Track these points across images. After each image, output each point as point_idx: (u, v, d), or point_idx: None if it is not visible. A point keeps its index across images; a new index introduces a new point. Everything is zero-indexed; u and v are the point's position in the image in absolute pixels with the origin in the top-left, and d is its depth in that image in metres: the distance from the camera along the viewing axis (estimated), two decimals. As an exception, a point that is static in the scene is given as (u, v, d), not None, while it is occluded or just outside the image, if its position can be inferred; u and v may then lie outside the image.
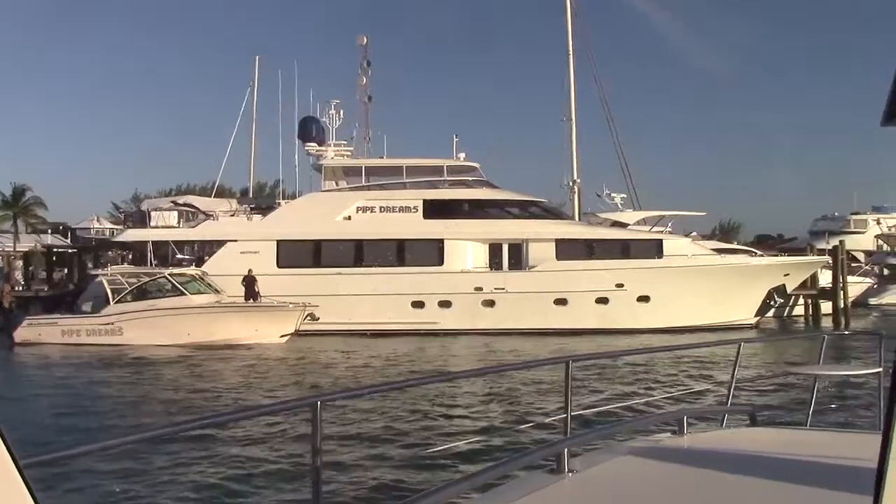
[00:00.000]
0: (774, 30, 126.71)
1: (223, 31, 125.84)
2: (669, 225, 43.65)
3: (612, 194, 48.55)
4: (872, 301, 52.19)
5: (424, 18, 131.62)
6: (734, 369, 7.46)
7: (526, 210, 38.24)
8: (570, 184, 45.05)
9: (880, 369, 7.94)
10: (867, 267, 54.64)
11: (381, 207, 37.16)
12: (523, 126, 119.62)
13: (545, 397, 18.75)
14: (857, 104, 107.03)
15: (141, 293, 33.73)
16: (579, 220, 42.17)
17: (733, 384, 7.51)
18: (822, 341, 8.55)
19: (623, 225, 41.82)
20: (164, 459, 13.26)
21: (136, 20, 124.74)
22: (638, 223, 43.02)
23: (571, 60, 44.62)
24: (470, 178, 38.70)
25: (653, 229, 41.61)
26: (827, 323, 42.31)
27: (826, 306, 43.38)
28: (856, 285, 47.68)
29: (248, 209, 39.50)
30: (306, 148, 39.53)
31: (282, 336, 32.47)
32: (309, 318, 33.44)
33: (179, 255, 36.90)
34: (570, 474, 4.37)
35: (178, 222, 38.27)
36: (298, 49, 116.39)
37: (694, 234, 46.89)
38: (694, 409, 10.36)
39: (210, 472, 13.08)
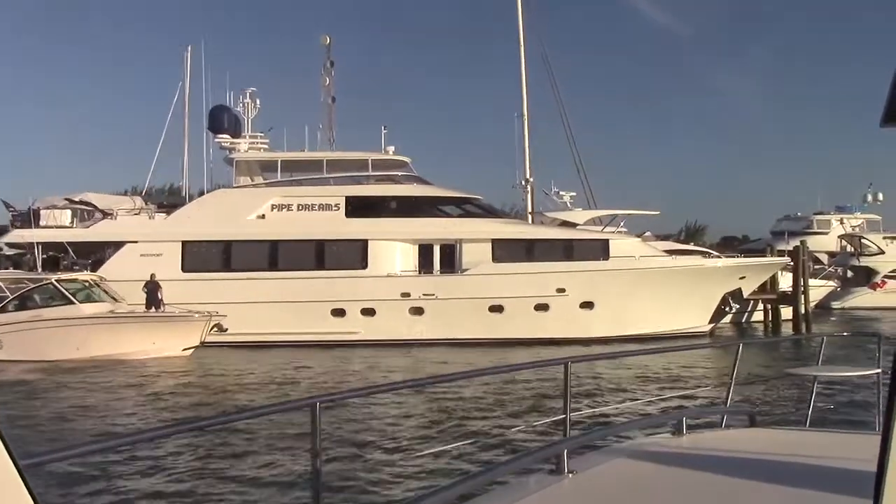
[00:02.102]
0: (749, 27, 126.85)
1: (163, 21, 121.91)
2: (622, 224, 42.28)
3: (561, 192, 47.42)
4: (835, 305, 51.40)
5: (375, 13, 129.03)
6: (733, 370, 7.83)
7: (460, 208, 36.20)
8: (523, 183, 43.93)
9: (879, 370, 8.43)
10: (830, 269, 53.70)
11: (298, 205, 34.76)
12: (476, 124, 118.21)
13: (544, 398, 19.22)
14: (836, 103, 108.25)
15: (24, 302, 31.17)
16: (532, 221, 40.54)
17: (732, 385, 7.83)
18: (821, 342, 8.99)
19: (572, 225, 40.23)
20: (163, 460, 13.74)
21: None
22: (589, 223, 41.60)
23: (522, 52, 43.78)
24: (399, 174, 36.47)
25: (604, 229, 39.96)
26: (787, 329, 41.34)
27: (787, 311, 42.31)
28: (818, 289, 46.61)
29: (155, 207, 36.98)
30: (216, 140, 37.02)
31: (185, 349, 30.16)
32: (216, 328, 31.39)
33: (72, 259, 34.32)
34: (570, 475, 4.48)
35: (72, 222, 35.63)
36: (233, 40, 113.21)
37: (647, 233, 45.59)
38: (693, 409, 10.56)
39: (210, 472, 13.42)
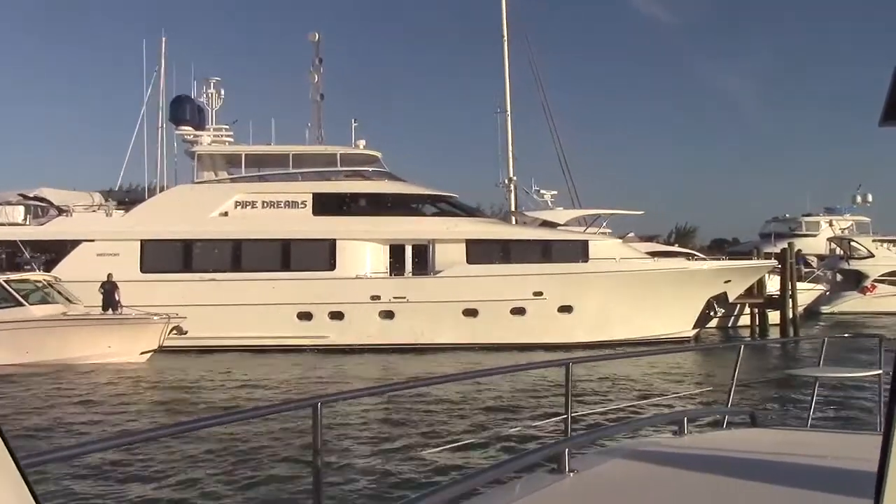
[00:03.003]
0: (743, 26, 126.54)
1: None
2: (604, 224, 41.45)
3: (542, 191, 46.50)
4: (825, 309, 50.71)
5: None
6: (735, 371, 7.97)
7: (434, 206, 35.17)
8: (506, 182, 43.12)
9: (880, 371, 8.59)
10: (819, 272, 52.95)
11: (263, 202, 33.55)
12: (460, 122, 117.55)
13: (546, 398, 19.63)
14: (833, 103, 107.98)
15: (-31, 304, 29.95)
16: (515, 221, 39.57)
17: (734, 385, 7.96)
18: (822, 343, 9.18)
19: (553, 225, 39.29)
20: (164, 460, 13.84)
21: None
22: (572, 223, 40.74)
23: (506, 47, 43.12)
24: (369, 170, 35.36)
25: (587, 230, 39.07)
26: (774, 334, 40.58)
27: (775, 316, 41.53)
28: (806, 292, 45.84)
29: (115, 204, 35.72)
30: (178, 132, 35.76)
31: (142, 354, 29.14)
32: (175, 331, 30.31)
33: (25, 258, 33.05)
34: (571, 474, 4.54)
35: (26, 219, 34.37)
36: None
37: (631, 234, 44.82)
38: (695, 409, 10.52)
39: (210, 473, 13.48)
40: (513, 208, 42.56)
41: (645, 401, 18.15)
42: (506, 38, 43.25)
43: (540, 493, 4.20)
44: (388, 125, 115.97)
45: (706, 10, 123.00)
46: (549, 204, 45.07)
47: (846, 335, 27.89)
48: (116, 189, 38.18)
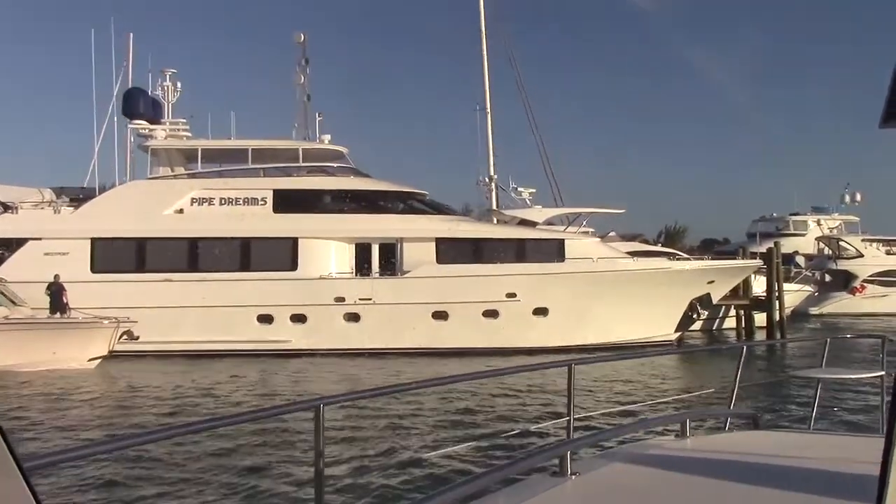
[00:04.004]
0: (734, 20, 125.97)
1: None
2: (584, 223, 40.38)
3: (520, 189, 45.51)
4: (813, 311, 49.86)
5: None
6: (737, 372, 8.02)
7: (402, 204, 33.85)
8: (486, 180, 42.02)
9: (883, 372, 8.59)
10: (807, 272, 51.95)
11: (221, 199, 32.08)
12: (439, 120, 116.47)
13: (548, 400, 19.93)
14: (829, 102, 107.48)
15: None
16: (497, 221, 38.35)
17: (736, 387, 8.02)
18: (824, 344, 9.16)
19: (532, 223, 38.09)
20: (164, 461, 14.04)
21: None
22: (552, 221, 39.63)
23: (484, 42, 42.08)
24: (334, 165, 33.93)
25: (567, 229, 37.89)
26: (761, 337, 39.63)
27: (761, 317, 40.59)
28: (794, 293, 44.86)
29: (68, 201, 34.25)
30: (131, 126, 34.21)
31: (91, 360, 27.84)
32: (125, 336, 28.99)
33: None
34: (573, 477, 4.59)
35: (-32, 216, 32.85)
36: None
37: (612, 233, 43.89)
38: (697, 412, 10.55)
39: (210, 474, 13.65)
40: (494, 207, 41.43)
41: (646, 403, 18.16)
42: (484, 33, 42.22)
43: (542, 496, 4.24)
44: (367, 123, 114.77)
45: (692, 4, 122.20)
46: (528, 202, 44.07)
47: (848, 336, 27.07)
48: (83, 186, 36.79)
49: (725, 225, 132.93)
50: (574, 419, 5.90)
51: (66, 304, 29.03)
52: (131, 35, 35.64)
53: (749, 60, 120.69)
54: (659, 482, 4.59)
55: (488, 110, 42.45)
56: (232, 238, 31.50)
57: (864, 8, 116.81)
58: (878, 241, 56.51)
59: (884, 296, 51.66)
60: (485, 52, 42.22)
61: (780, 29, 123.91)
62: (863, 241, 55.34)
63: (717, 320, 42.31)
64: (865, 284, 52.62)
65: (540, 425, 14.92)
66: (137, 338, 29.26)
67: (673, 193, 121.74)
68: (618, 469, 4.82)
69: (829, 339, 9.36)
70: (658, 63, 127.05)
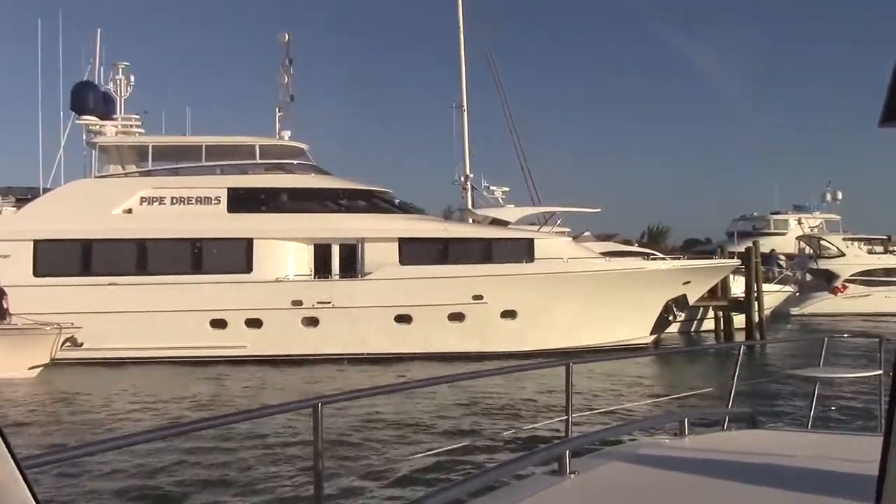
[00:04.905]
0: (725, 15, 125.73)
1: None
2: (559, 223, 39.18)
3: (492, 187, 44.29)
4: (794, 311, 48.96)
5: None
6: (735, 372, 8.36)
7: (364, 202, 32.48)
8: (462, 179, 40.66)
9: (880, 371, 8.99)
10: (788, 272, 50.94)
11: (173, 198, 30.54)
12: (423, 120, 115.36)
13: (546, 399, 20.00)
14: (826, 101, 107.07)
15: None
16: (474, 221, 37.01)
17: (734, 386, 8.27)
18: (822, 344, 9.49)
19: (504, 223, 36.82)
20: (164, 461, 14.19)
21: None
22: (525, 221, 38.37)
23: (461, 38, 40.58)
24: (293, 162, 32.46)
25: (541, 229, 36.64)
26: (740, 339, 38.56)
27: (741, 319, 39.55)
28: (774, 294, 43.85)
29: (14, 200, 32.70)
30: (79, 122, 32.51)
31: (31, 368, 26.39)
32: (69, 343, 27.59)
33: None
34: (572, 476, 4.64)
35: None
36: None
37: (587, 233, 42.71)
38: (695, 411, 10.24)
39: (210, 474, 13.84)
40: (469, 206, 40.17)
41: (645, 402, 18.24)
42: (461, 28, 40.94)
43: (541, 495, 4.28)
44: (350, 123, 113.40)
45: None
46: (500, 201, 42.84)
47: (845, 336, 27.26)
48: (31, 187, 35.20)
49: (710, 225, 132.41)
50: (572, 418, 5.92)
51: (6, 309, 27.65)
52: (98, 31, 34.10)
53: (749, 60, 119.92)
54: (657, 481, 4.65)
55: (465, 108, 41.19)
56: (183, 239, 29.99)
57: (856, 7, 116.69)
58: (860, 239, 55.74)
59: (865, 295, 50.76)
60: (462, 49, 41.03)
61: (777, 29, 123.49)
62: (844, 240, 54.53)
63: (695, 322, 41.19)
64: (847, 284, 51.72)
65: (538, 424, 14.71)
66: (81, 344, 27.97)
67: (659, 193, 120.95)
68: (616, 468, 4.87)
69: (826, 339, 9.55)
70: (651, 62, 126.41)
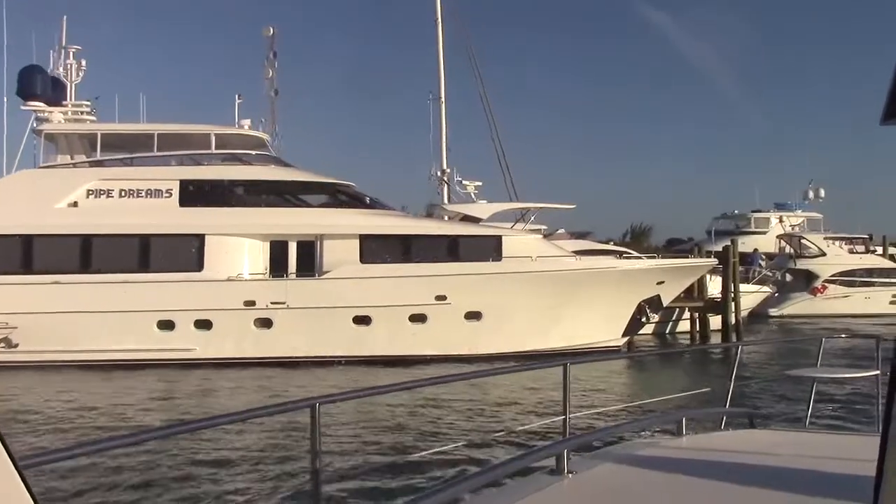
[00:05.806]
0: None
1: None
2: (532, 219, 37.80)
3: (465, 182, 42.87)
4: (773, 312, 47.81)
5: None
6: (733, 372, 8.47)
7: (325, 196, 30.96)
8: (439, 174, 39.28)
9: (878, 372, 8.87)
10: (767, 272, 49.72)
11: (121, 191, 28.83)
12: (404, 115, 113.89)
13: (544, 399, 19.84)
14: (825, 100, 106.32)
15: None
16: (447, 217, 35.55)
17: (732, 386, 8.30)
18: (819, 344, 9.53)
19: (475, 220, 35.39)
20: (162, 461, 14.35)
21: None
22: (498, 218, 36.95)
23: (440, 29, 39.17)
24: (252, 153, 30.83)
25: (514, 226, 35.20)
26: (716, 341, 37.45)
27: (717, 320, 38.43)
28: (752, 294, 42.70)
29: None
30: (25, 108, 30.65)
31: (-37, 371, 25.03)
32: (3, 344, 26.08)
33: None
34: (570, 475, 4.71)
35: None
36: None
37: (561, 231, 41.51)
38: (692, 411, 10.00)
39: (209, 474, 13.99)
40: (445, 202, 38.75)
41: (642, 401, 18.26)
42: (440, 19, 39.47)
43: (539, 495, 4.33)
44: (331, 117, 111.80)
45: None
46: (472, 196, 41.42)
47: (843, 336, 26.94)
48: None
49: (695, 223, 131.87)
50: (570, 418, 5.96)
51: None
52: (65, 17, 32.40)
53: (737, 58, 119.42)
54: (655, 481, 4.69)
55: (442, 99, 39.77)
56: (130, 235, 28.32)
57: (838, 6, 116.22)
58: (841, 239, 54.55)
59: (845, 296, 49.60)
60: (440, 39, 39.61)
61: (760, 26, 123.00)
62: (825, 239, 53.30)
63: (670, 323, 39.95)
64: (827, 285, 50.50)
65: (536, 424, 14.76)
66: (16, 346, 26.46)
67: (643, 192, 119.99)
68: (614, 468, 4.93)
69: (823, 339, 9.65)
70: (636, 61, 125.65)
